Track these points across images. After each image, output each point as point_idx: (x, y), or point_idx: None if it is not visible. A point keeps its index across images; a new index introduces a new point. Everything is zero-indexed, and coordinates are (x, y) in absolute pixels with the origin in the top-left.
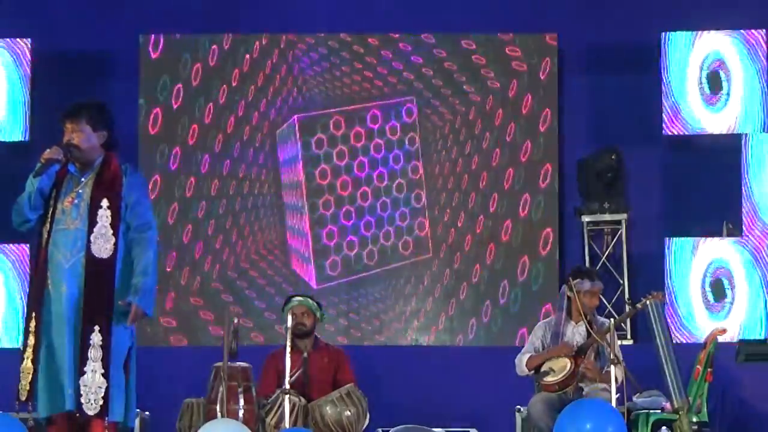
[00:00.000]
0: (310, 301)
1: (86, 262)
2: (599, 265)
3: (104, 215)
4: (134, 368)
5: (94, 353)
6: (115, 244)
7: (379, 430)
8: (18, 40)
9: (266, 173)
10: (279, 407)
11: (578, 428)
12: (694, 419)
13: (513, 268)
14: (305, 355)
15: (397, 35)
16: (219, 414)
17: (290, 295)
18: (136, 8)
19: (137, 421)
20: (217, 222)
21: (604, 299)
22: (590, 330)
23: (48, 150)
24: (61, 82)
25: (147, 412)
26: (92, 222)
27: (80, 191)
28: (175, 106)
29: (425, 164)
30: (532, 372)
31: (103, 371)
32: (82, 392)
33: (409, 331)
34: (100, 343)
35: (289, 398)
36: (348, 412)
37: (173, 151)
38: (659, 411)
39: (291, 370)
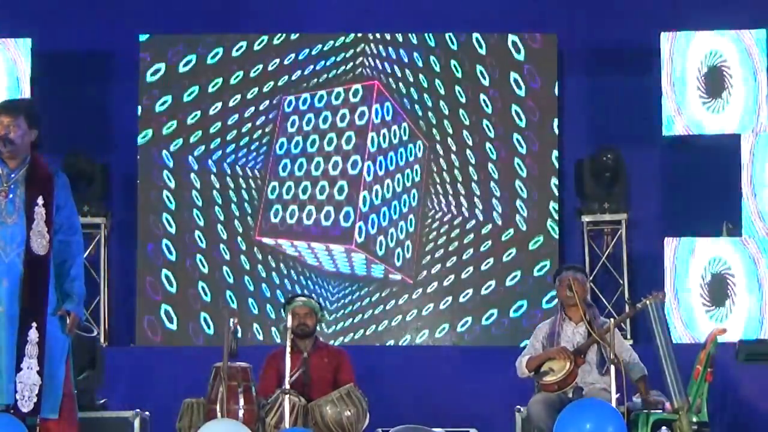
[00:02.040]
0: (313, 301)
1: (25, 258)
2: (599, 265)
3: (40, 212)
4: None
5: (31, 350)
6: (50, 241)
7: (379, 430)
8: (18, 39)
9: (265, 169)
10: (279, 407)
11: (578, 428)
12: (694, 419)
13: (513, 268)
14: (305, 355)
15: (395, 34)
16: (219, 414)
17: (292, 294)
18: (136, 8)
19: (137, 422)
20: (217, 219)
21: (604, 299)
22: (590, 330)
23: None
24: (60, 82)
25: (147, 412)
26: (30, 218)
27: (12, 187)
28: (174, 106)
29: (424, 163)
30: (533, 373)
31: (38, 368)
32: (17, 388)
33: (409, 331)
34: (37, 339)
35: (289, 398)
36: (348, 412)
37: (171, 149)
38: (659, 411)
39: (291, 370)
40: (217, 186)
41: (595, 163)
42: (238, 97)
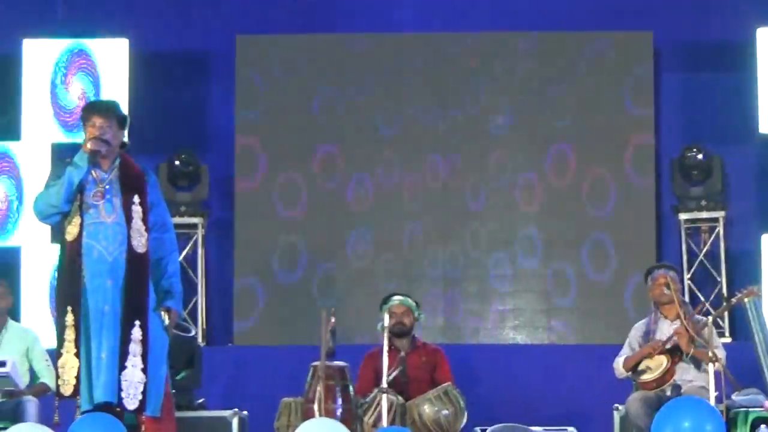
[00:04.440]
0: (410, 300)
1: (128, 257)
2: (696, 263)
3: (137, 211)
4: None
5: (135, 348)
6: (147, 240)
7: (477, 429)
8: (115, 40)
9: (369, 169)
10: (377, 406)
11: (676, 426)
12: None
13: (610, 267)
14: (403, 354)
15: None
16: (317, 413)
17: (389, 294)
18: (233, 8)
19: (235, 421)
20: (318, 217)
21: (701, 297)
22: (686, 327)
23: (90, 142)
24: (158, 82)
25: (245, 412)
26: (128, 217)
27: (108, 187)
28: (271, 106)
29: (518, 169)
30: (630, 373)
31: (142, 366)
32: (122, 387)
33: (507, 330)
34: (140, 338)
35: (387, 397)
36: (446, 411)
37: (270, 149)
38: (759, 409)
39: (389, 369)
40: (319, 183)
41: (692, 160)
42: (336, 97)
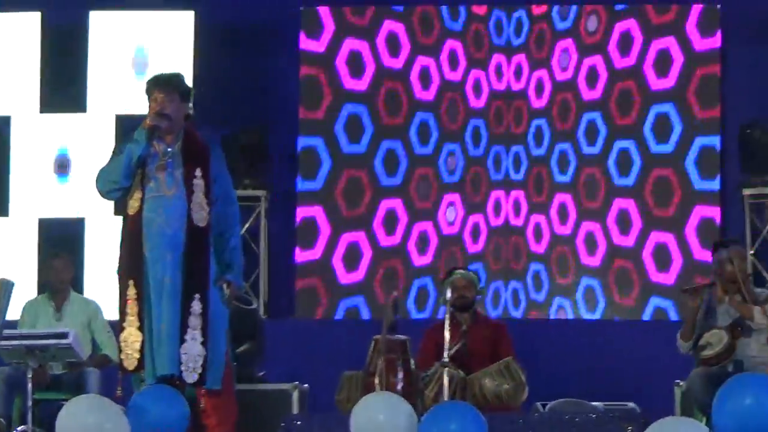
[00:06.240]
0: (472, 273)
1: (188, 230)
2: (760, 239)
3: (199, 185)
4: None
5: (194, 321)
6: (209, 213)
7: (538, 403)
8: (181, 12)
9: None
10: (438, 380)
11: (737, 404)
12: None
13: (674, 243)
14: (464, 328)
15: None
16: (378, 387)
17: (451, 267)
18: None
19: (296, 394)
20: (379, 196)
21: (765, 274)
22: (745, 297)
23: (150, 117)
24: (224, 54)
25: (306, 385)
26: (189, 191)
27: (170, 161)
28: (338, 80)
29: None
30: (693, 347)
31: (202, 339)
32: (182, 360)
33: (569, 305)
34: (200, 311)
35: (448, 371)
36: (506, 386)
37: (335, 124)
38: None
39: (450, 343)
40: (384, 161)
41: (758, 134)
42: (403, 70)
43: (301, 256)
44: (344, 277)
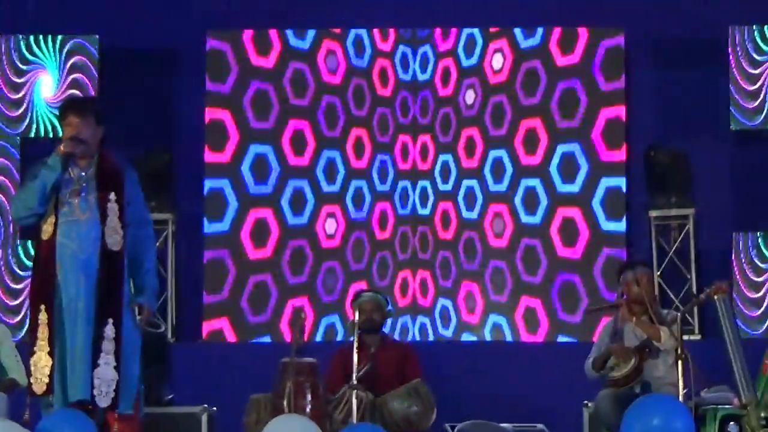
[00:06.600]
0: (380, 296)
1: (101, 255)
2: (666, 260)
3: (113, 209)
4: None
5: (107, 346)
6: (123, 237)
7: (447, 425)
8: (85, 36)
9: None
10: (346, 402)
11: (645, 424)
12: (763, 414)
13: (580, 264)
14: (372, 350)
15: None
16: (286, 409)
17: (359, 290)
18: (203, 5)
19: (204, 417)
20: (285, 216)
21: (671, 294)
22: (653, 318)
23: (65, 143)
24: (127, 78)
25: (214, 408)
26: (103, 215)
27: (84, 185)
28: (241, 103)
29: (486, 158)
30: (600, 373)
31: (115, 364)
32: (95, 384)
33: (476, 327)
34: (113, 336)
35: (357, 393)
36: (415, 408)
37: (239, 147)
38: (728, 406)
39: (358, 366)
40: (286, 181)
41: (663, 157)
42: (307, 93)
43: (207, 298)
44: (252, 318)
